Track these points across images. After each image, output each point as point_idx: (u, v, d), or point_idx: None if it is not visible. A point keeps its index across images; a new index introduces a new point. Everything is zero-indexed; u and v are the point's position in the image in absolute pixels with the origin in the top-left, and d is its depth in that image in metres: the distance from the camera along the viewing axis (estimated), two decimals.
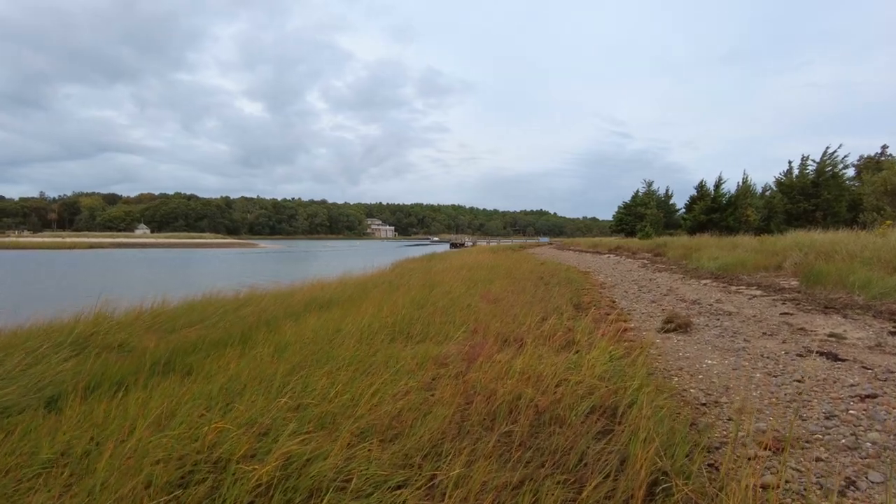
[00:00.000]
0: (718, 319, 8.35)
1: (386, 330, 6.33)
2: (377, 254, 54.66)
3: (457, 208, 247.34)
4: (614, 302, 10.70)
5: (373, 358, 5.02)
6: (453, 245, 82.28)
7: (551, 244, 74.86)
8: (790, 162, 44.15)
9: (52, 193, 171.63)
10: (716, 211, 37.16)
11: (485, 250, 37.27)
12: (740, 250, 16.30)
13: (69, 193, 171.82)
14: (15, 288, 22.31)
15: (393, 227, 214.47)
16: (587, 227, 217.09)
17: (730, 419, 4.09)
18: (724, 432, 3.85)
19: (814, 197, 34.33)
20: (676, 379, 5.25)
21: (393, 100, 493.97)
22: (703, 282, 13.11)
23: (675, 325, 7.68)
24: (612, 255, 29.77)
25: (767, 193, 43.82)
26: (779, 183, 38.85)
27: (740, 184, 39.88)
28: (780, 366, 5.53)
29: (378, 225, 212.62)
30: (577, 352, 5.06)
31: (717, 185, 39.17)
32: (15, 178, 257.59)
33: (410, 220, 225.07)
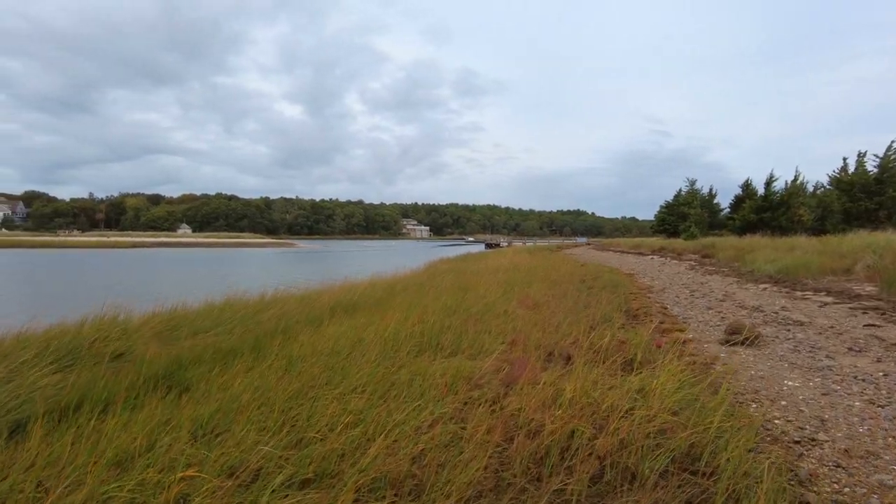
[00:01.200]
0: (789, 330, 7.37)
1: (413, 340, 5.63)
2: (412, 254, 54.25)
3: (492, 208, 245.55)
4: (666, 308, 9.76)
5: (395, 376, 4.33)
6: (488, 245, 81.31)
7: (590, 245, 73.18)
8: (845, 159, 41.76)
9: (99, 194, 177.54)
10: (766, 210, 35.08)
11: (521, 251, 36.32)
12: (800, 252, 15.01)
13: (115, 194, 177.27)
14: (43, 288, 22.54)
15: (428, 228, 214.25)
16: (626, 227, 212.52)
17: (839, 466, 3.24)
18: (836, 486, 3.01)
19: (877, 195, 32.06)
20: (755, 406, 4.39)
21: (428, 100, 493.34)
22: (762, 286, 12.00)
23: (742, 337, 6.75)
24: (655, 257, 28.46)
25: (819, 192, 41.51)
26: (837, 180, 36.56)
27: (788, 182, 37.85)
28: (884, 392, 4.60)
29: (413, 225, 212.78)
30: (638, 373, 4.25)
31: (768, 183, 37.02)
32: (66, 179, 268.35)
33: (445, 221, 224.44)
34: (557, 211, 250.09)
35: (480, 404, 3.80)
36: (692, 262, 22.06)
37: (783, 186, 38.06)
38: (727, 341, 6.80)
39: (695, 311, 9.32)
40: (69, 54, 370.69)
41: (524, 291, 10.56)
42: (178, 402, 3.91)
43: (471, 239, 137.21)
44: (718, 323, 8.16)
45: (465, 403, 3.86)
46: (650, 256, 29.55)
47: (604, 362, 4.90)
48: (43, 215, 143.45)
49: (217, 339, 6.25)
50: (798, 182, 36.57)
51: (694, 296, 11.42)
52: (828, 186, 42.81)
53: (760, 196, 36.76)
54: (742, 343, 6.67)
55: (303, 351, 5.14)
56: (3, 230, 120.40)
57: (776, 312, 8.69)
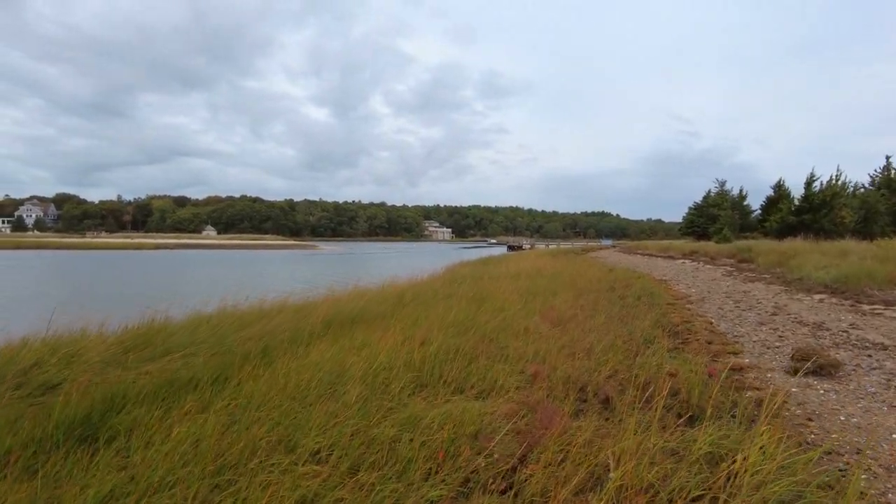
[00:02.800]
0: (870, 356, 6.11)
1: (410, 372, 4.55)
2: (433, 256, 53.30)
3: (515, 210, 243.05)
4: (711, 323, 8.53)
5: (376, 429, 3.26)
6: (510, 247, 79.94)
7: (615, 247, 71.21)
8: (888, 157, 39.68)
9: (130, 196, 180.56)
10: (807, 211, 32.92)
11: (544, 254, 34.99)
12: (855, 257, 13.52)
13: (143, 196, 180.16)
14: (44, 290, 22.02)
15: (450, 230, 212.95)
16: (652, 229, 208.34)
17: None
18: None
19: None
20: (865, 476, 3.21)
21: (453, 102, 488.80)
22: (817, 297, 10.64)
23: (815, 366, 5.52)
24: (687, 261, 26.90)
25: (859, 192, 39.31)
26: (887, 180, 34.33)
27: (824, 182, 35.67)
28: None
29: (435, 227, 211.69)
30: (702, 427, 3.10)
31: (809, 183, 34.62)
32: (98, 182, 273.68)
33: (468, 222, 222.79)
34: (581, 212, 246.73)
35: (488, 481, 2.71)
36: (728, 268, 20.57)
37: (818, 187, 36.02)
38: (796, 370, 5.57)
39: (746, 328, 8.08)
40: (103, 59, 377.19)
41: (548, 302, 9.43)
42: (80, 469, 2.91)
43: (493, 241, 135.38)
44: (777, 343, 6.92)
45: (467, 480, 2.78)
46: (681, 260, 28.00)
47: (652, 405, 3.77)
48: (73, 217, 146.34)
49: (182, 363, 5.26)
50: (839, 181, 34.38)
51: (740, 307, 10.14)
52: (868, 186, 40.68)
53: (801, 196, 34.52)
54: (815, 373, 5.45)
55: (267, 388, 4.09)
56: (35, 231, 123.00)
57: (846, 331, 7.40)
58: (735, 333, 7.70)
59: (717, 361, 6.26)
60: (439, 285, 12.81)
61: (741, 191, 55.88)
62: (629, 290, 11.92)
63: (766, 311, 9.48)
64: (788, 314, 9.06)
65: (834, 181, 35.14)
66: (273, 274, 31.04)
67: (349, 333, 6.62)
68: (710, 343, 7.01)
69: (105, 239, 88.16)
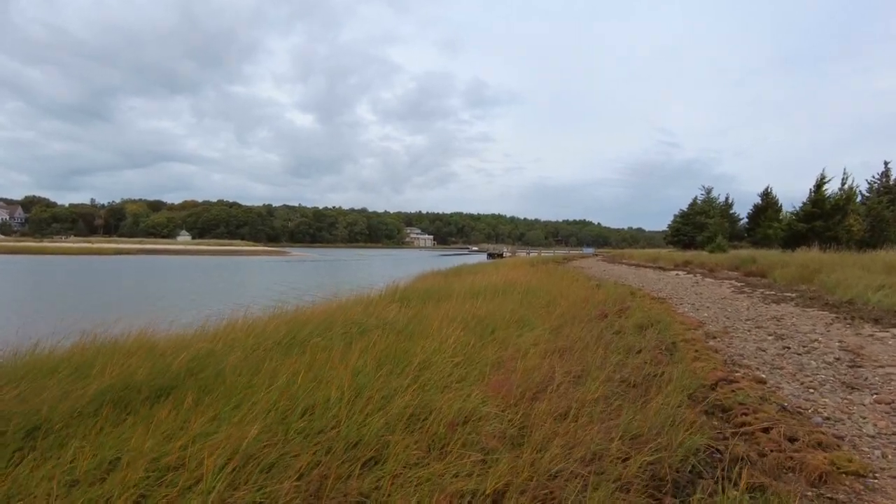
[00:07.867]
0: None
1: None
2: (405, 264, 50.24)
3: (497, 217, 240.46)
4: (764, 383, 5.35)
5: None
6: (490, 255, 77.10)
7: (597, 256, 68.44)
8: (886, 163, 37.62)
9: (109, 200, 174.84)
10: (818, 218, 30.09)
11: (522, 263, 31.75)
12: None
13: (118, 200, 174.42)
14: None
15: (432, 237, 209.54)
16: (633, 237, 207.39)
17: None
18: None
19: None
20: None
21: (440, 111, 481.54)
22: None
23: None
24: (681, 273, 23.80)
25: (858, 200, 37.09)
26: None
27: (812, 190, 33.00)
28: None
29: (417, 234, 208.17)
30: None
31: (819, 186, 31.56)
32: (80, 186, 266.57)
33: (450, 230, 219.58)
34: (563, 221, 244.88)
35: None
36: (735, 282, 17.52)
37: (828, 190, 33.51)
38: None
39: (828, 396, 4.91)
40: (88, 63, 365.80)
41: (510, 342, 6.20)
42: None
43: (474, 248, 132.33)
44: None
45: None
46: (674, 272, 24.93)
47: None
48: (41, 220, 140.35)
49: None
50: (846, 186, 31.43)
51: (789, 348, 7.00)
52: (866, 193, 38.80)
53: (810, 201, 31.40)
54: None
55: None
56: (1, 235, 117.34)
57: None
58: (819, 410, 4.52)
59: (835, 501, 3.08)
60: (377, 307, 9.51)
61: (727, 198, 53.87)
62: (626, 317, 8.74)
63: (836, 357, 6.36)
64: (879, 364, 5.93)
65: (842, 185, 32.47)
66: (208, 285, 27.38)
67: (126, 422, 3.30)
68: (792, 440, 3.83)
69: (61, 243, 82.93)
